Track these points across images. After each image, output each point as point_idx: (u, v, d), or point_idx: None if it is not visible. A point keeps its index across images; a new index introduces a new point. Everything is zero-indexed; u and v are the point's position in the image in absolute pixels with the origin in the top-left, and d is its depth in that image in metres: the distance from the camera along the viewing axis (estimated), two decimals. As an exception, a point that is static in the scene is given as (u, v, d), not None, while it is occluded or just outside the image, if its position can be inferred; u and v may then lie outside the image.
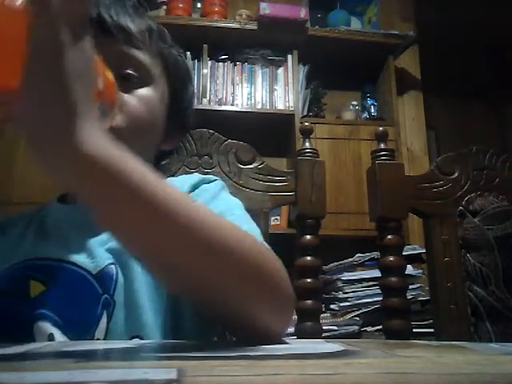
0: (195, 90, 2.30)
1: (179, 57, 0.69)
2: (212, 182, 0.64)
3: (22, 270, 0.55)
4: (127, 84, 0.59)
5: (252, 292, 0.41)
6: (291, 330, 0.82)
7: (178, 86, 0.68)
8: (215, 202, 0.58)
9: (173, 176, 0.83)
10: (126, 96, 0.58)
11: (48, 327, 0.51)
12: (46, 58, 0.32)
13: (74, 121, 0.33)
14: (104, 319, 0.52)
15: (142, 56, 0.60)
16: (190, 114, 0.73)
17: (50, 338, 0.50)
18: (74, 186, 0.36)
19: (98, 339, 0.51)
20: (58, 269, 0.54)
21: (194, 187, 0.61)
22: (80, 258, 0.54)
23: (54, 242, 0.58)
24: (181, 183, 0.62)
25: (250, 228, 0.54)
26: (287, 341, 0.43)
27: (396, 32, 2.50)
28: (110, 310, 0.52)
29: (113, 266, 0.54)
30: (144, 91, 0.60)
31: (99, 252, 0.54)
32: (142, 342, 0.50)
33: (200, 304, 0.44)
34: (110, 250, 0.55)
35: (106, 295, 0.53)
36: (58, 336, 0.50)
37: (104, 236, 0.55)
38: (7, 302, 0.53)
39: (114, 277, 0.53)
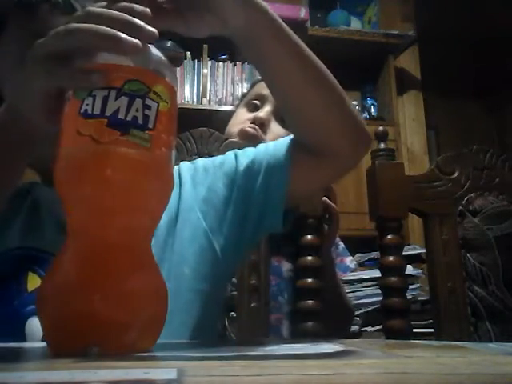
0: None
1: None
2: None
3: (21, 259, 0.55)
4: None
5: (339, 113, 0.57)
6: (291, 329, 0.82)
7: None
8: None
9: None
10: None
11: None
12: None
13: None
14: None
15: None
16: None
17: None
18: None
19: None
20: None
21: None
22: None
23: (50, 230, 0.58)
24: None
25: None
26: (287, 341, 0.43)
27: (396, 32, 2.50)
28: None
29: None
30: None
31: None
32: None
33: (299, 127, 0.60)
34: None
35: None
36: None
37: None
38: (1, 293, 0.52)
39: None
